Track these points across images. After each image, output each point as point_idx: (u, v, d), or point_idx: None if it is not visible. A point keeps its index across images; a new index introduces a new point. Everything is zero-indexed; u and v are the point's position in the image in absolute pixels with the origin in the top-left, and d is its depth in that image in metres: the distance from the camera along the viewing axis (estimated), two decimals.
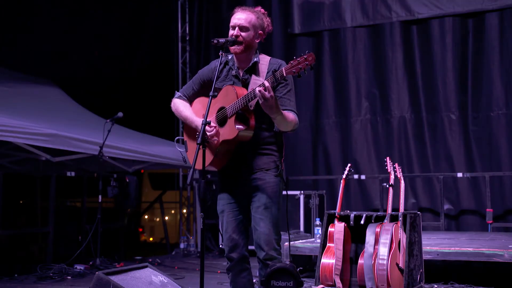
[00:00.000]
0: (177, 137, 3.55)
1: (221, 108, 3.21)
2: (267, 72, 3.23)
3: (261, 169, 3.22)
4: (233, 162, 3.25)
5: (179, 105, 3.45)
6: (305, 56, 2.85)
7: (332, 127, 8.73)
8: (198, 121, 3.29)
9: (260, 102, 2.94)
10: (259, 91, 2.91)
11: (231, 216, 3.28)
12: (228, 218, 3.29)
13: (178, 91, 3.54)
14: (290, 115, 3.14)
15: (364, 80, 8.58)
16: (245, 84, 3.26)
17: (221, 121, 3.20)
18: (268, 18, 3.38)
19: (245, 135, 3.14)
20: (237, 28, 3.23)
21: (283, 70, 2.90)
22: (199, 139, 2.94)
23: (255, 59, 3.28)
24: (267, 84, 2.91)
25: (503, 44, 7.84)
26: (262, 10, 3.39)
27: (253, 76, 3.24)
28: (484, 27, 7.94)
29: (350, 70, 8.66)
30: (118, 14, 10.03)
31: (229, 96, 3.17)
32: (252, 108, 3.13)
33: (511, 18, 7.81)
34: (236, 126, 3.11)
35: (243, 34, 3.22)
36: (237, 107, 3.09)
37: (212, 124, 3.14)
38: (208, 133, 3.09)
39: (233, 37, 3.22)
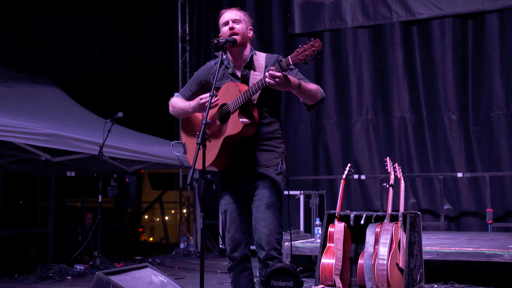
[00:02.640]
0: (174, 141, 3.53)
1: (223, 105, 3.21)
2: (265, 67, 3.24)
3: (263, 166, 3.22)
4: (234, 159, 3.25)
5: (175, 101, 3.46)
6: (312, 43, 2.83)
7: (333, 127, 8.72)
8: (193, 103, 3.29)
9: (273, 86, 2.92)
10: (270, 74, 2.88)
11: (233, 216, 3.28)
12: (231, 217, 3.29)
13: (177, 91, 3.55)
14: (311, 84, 3.13)
15: (364, 80, 8.57)
16: (245, 80, 3.26)
17: (223, 118, 3.19)
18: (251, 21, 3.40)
19: (249, 129, 3.13)
20: (230, 22, 3.27)
21: (289, 58, 2.88)
22: (199, 139, 2.94)
23: (251, 54, 3.29)
24: (271, 71, 2.90)
25: (503, 44, 7.84)
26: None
27: (252, 72, 3.25)
28: (484, 28, 7.94)
29: (351, 71, 8.65)
30: (118, 14, 10.03)
31: (230, 92, 3.16)
32: (255, 102, 3.13)
33: (511, 18, 7.81)
34: (241, 120, 3.09)
35: (237, 26, 3.27)
36: (240, 101, 3.08)
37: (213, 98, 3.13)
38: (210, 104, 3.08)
39: (229, 30, 3.25)
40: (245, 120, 3.10)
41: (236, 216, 3.28)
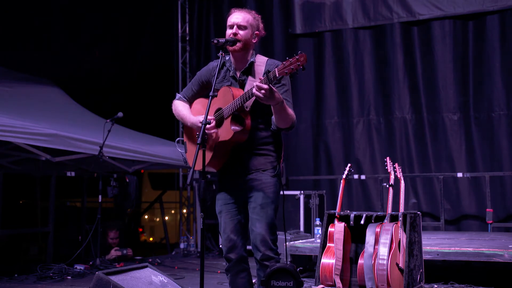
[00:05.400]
0: (178, 138, 3.56)
1: (219, 109, 3.23)
2: (264, 73, 3.24)
3: (258, 170, 3.23)
4: (230, 162, 3.27)
5: (178, 105, 3.49)
6: (297, 57, 2.84)
7: (334, 128, 8.72)
8: (193, 119, 3.34)
9: (259, 98, 2.94)
10: (257, 85, 2.90)
11: (229, 217, 3.29)
12: (226, 218, 3.30)
13: (178, 91, 3.57)
14: (289, 109, 3.14)
15: (365, 81, 8.57)
16: (242, 85, 3.28)
17: (218, 122, 3.21)
18: (262, 24, 3.37)
19: (240, 136, 3.15)
20: (235, 27, 3.25)
21: (276, 71, 2.90)
22: (199, 139, 2.95)
23: (251, 60, 3.29)
24: (258, 83, 2.92)
25: (504, 45, 7.83)
26: (257, 14, 3.40)
27: (250, 78, 3.26)
28: (485, 28, 7.93)
29: (352, 71, 8.65)
30: (118, 14, 10.03)
31: (226, 97, 3.18)
32: (248, 109, 3.14)
33: (511, 19, 7.81)
34: (232, 127, 3.12)
35: (241, 32, 3.25)
36: (233, 108, 3.11)
37: (210, 127, 3.14)
38: (208, 134, 3.10)
39: (232, 35, 3.24)
40: (236, 128, 3.13)
41: (231, 217, 3.29)
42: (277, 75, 2.90)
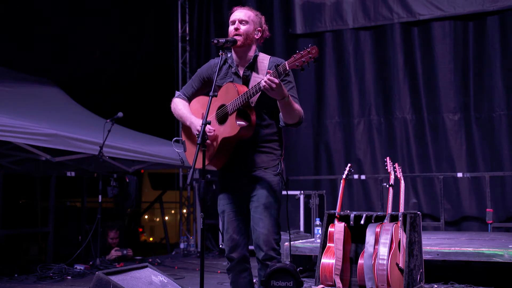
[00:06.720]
0: (175, 138, 3.53)
1: (221, 106, 3.21)
2: (273, 67, 3.24)
3: (260, 168, 3.22)
4: (232, 160, 3.25)
5: (177, 104, 3.46)
6: (308, 50, 2.83)
7: (335, 128, 8.72)
8: (192, 119, 3.30)
9: (268, 92, 2.94)
10: (268, 79, 2.89)
11: (231, 216, 3.28)
12: (229, 218, 3.28)
13: (178, 91, 3.54)
14: (296, 104, 3.14)
15: (366, 81, 8.57)
16: (246, 81, 3.26)
17: (222, 118, 3.19)
18: (266, 25, 3.37)
19: (246, 132, 3.13)
20: (237, 22, 3.26)
21: (286, 64, 2.89)
22: (199, 139, 2.94)
23: (255, 55, 3.29)
24: (269, 76, 2.91)
25: (504, 45, 7.83)
26: (261, 14, 3.40)
27: (254, 74, 3.24)
28: (485, 28, 7.93)
29: (352, 71, 8.65)
30: (118, 14, 10.03)
31: (230, 94, 3.16)
32: (253, 105, 3.12)
33: (511, 19, 7.81)
34: (238, 123, 3.09)
35: (242, 27, 3.24)
36: (238, 103, 3.08)
37: (211, 127, 3.14)
38: (207, 134, 3.09)
39: (233, 30, 3.23)
40: (242, 123, 3.10)
41: (234, 216, 3.27)
42: (287, 68, 2.89)
